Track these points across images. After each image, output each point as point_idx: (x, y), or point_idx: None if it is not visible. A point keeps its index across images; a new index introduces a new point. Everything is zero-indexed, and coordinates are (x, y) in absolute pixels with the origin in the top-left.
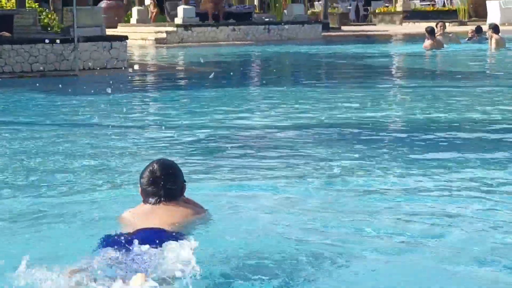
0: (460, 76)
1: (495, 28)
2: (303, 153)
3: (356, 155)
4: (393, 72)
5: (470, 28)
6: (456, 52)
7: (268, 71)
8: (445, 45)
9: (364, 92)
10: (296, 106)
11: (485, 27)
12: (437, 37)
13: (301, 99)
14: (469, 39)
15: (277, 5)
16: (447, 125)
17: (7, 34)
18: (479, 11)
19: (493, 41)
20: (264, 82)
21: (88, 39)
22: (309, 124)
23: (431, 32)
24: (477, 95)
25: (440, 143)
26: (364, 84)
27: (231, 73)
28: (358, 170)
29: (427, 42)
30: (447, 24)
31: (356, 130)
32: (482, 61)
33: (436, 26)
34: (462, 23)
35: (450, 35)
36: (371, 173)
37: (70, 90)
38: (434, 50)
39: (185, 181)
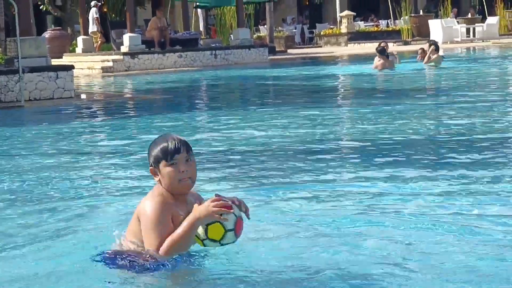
0: (423, 94)
1: (436, 45)
2: (258, 173)
3: (321, 173)
4: (352, 94)
5: (420, 48)
6: (411, 71)
7: (216, 96)
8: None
9: (323, 112)
10: (247, 128)
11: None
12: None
13: (252, 121)
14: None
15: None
16: (411, 142)
17: None
18: (422, 31)
19: (435, 57)
20: (212, 106)
21: (33, 69)
22: (262, 144)
23: (381, 51)
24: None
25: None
26: (320, 105)
27: (180, 99)
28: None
29: (379, 62)
30: (390, 44)
31: (322, 148)
32: (440, 79)
33: (379, 46)
34: (406, 43)
35: (395, 54)
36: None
37: (15, 122)
38: (386, 70)
39: (151, 165)
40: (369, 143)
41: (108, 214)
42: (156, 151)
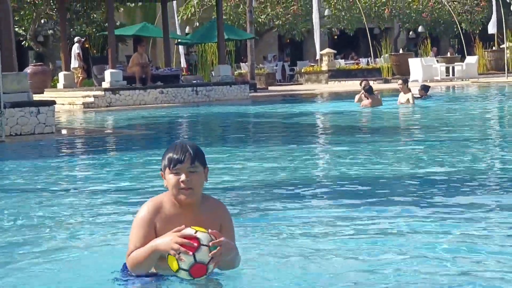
0: (421, 132)
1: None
2: (237, 208)
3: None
4: (352, 133)
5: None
6: (400, 109)
7: (197, 132)
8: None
9: (313, 151)
10: (228, 164)
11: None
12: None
13: (233, 158)
14: (420, 97)
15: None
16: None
17: None
18: (401, 69)
19: (410, 95)
20: (195, 142)
21: (14, 104)
22: (242, 182)
23: (370, 90)
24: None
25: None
26: (308, 144)
27: (160, 135)
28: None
29: (366, 101)
30: (370, 82)
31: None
32: (431, 117)
33: (360, 84)
34: (386, 81)
35: (377, 92)
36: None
37: None
38: (373, 107)
39: (161, 169)
40: (360, 179)
41: (85, 248)
42: (164, 157)
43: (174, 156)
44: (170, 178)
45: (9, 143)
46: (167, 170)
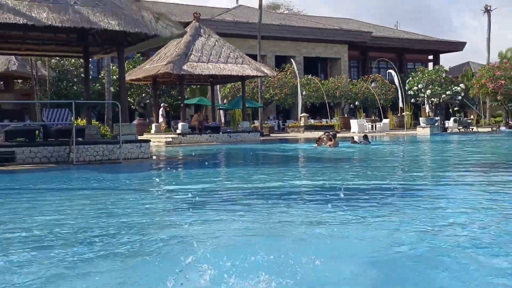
0: (360, 161)
1: (329, 136)
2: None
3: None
4: (324, 161)
5: (351, 136)
6: (350, 149)
7: (229, 158)
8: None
9: (296, 170)
10: (249, 177)
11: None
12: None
13: (248, 175)
14: (359, 143)
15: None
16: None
17: (80, 139)
18: (345, 125)
19: (332, 143)
20: (230, 164)
21: (127, 141)
22: (266, 189)
23: (334, 136)
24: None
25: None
26: (294, 166)
27: (209, 160)
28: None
29: (330, 143)
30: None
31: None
32: (370, 152)
33: (324, 134)
34: (337, 132)
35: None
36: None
37: (117, 170)
38: (335, 147)
39: None
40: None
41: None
42: None
43: None
44: None
45: (124, 163)
46: None
